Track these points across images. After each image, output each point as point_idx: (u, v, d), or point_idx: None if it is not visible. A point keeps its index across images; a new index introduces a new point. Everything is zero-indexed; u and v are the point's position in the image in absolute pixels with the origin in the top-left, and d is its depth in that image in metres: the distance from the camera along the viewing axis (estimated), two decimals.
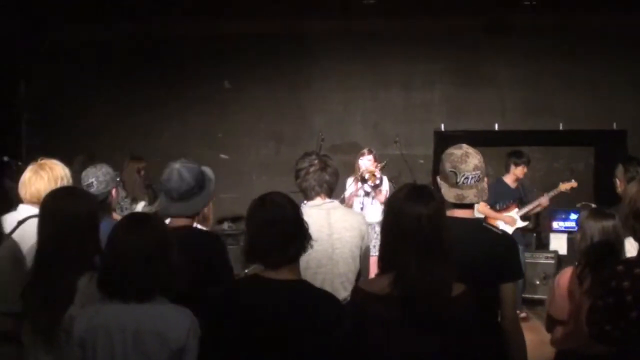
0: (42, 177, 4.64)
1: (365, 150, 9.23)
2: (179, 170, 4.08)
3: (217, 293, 3.39)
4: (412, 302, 3.08)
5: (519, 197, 9.23)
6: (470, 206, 3.92)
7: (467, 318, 3.12)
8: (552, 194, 9.19)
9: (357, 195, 8.86)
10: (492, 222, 8.84)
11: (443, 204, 3.24)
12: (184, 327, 3.19)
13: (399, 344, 3.10)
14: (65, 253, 3.55)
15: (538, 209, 9.30)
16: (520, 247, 8.82)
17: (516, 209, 9.21)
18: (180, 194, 4.07)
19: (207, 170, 4.27)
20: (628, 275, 3.41)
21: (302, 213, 3.28)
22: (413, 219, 3.15)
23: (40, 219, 3.73)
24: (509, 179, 9.32)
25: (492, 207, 9.23)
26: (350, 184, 8.96)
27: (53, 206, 3.69)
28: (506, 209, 9.26)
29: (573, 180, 9.27)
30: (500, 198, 9.30)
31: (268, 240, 3.14)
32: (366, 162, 9.00)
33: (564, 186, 9.15)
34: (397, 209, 3.25)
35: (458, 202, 3.87)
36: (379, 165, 8.98)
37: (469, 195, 3.87)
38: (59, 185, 4.57)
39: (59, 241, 3.58)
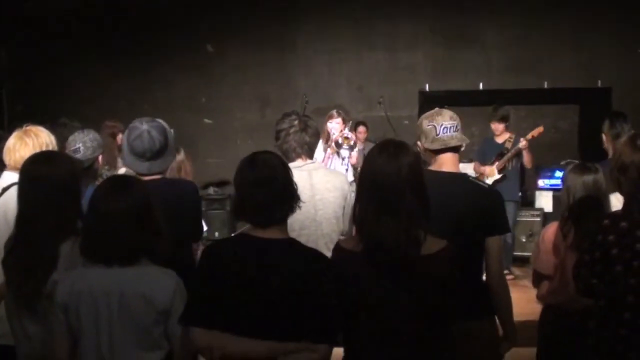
0: (27, 144, 4.58)
1: (334, 112, 9.03)
2: (148, 131, 4.10)
3: (203, 250, 3.38)
4: (372, 256, 3.07)
5: (500, 152, 9.24)
6: (456, 150, 3.95)
7: (445, 275, 3.09)
8: (523, 141, 9.15)
9: (329, 158, 8.77)
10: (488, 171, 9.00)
11: (416, 159, 3.20)
12: (169, 289, 3.19)
13: (373, 298, 3.09)
14: (46, 219, 3.50)
15: (511, 156, 9.28)
16: (513, 204, 8.99)
17: (497, 163, 9.25)
18: (152, 153, 4.10)
19: (164, 123, 4.27)
20: (614, 229, 3.42)
21: (292, 174, 3.26)
22: (370, 173, 3.15)
23: (20, 184, 3.69)
24: (494, 135, 9.39)
25: (481, 164, 9.38)
26: (320, 147, 8.85)
27: (32, 171, 3.64)
28: (491, 163, 9.31)
29: (540, 127, 9.27)
30: (485, 154, 9.42)
31: (256, 200, 3.12)
32: (334, 125, 8.87)
33: (533, 132, 9.15)
34: (363, 163, 3.29)
35: (443, 147, 3.90)
36: (348, 126, 8.89)
37: (452, 142, 3.91)
38: None
39: (40, 207, 3.53)
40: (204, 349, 3.12)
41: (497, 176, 9.20)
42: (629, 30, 11.54)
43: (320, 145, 8.62)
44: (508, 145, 9.24)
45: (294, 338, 3.04)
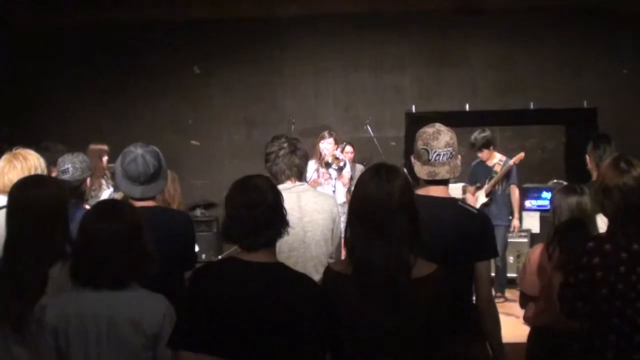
0: (16, 167, 4.58)
1: (326, 133, 9.20)
2: (142, 155, 4.12)
3: (192, 274, 3.40)
4: (362, 279, 3.08)
5: (490, 176, 9.30)
6: (444, 183, 3.91)
7: (434, 299, 3.10)
8: (504, 169, 9.25)
9: (321, 182, 8.84)
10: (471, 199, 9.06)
11: (407, 183, 3.21)
12: (158, 313, 3.19)
13: (362, 321, 3.10)
14: (34, 243, 3.50)
15: (499, 179, 9.36)
16: (503, 227, 9.10)
17: (486, 186, 9.33)
18: (146, 177, 4.12)
19: (156, 149, 4.29)
20: (598, 252, 3.44)
21: (282, 198, 3.28)
22: (362, 197, 3.16)
23: (8, 209, 3.68)
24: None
25: (472, 185, 9.53)
26: (312, 168, 8.94)
27: (20, 196, 3.64)
28: (480, 187, 9.40)
29: (522, 153, 9.35)
30: (477, 176, 9.53)
31: (245, 223, 3.14)
32: (327, 146, 8.97)
33: (515, 159, 9.23)
34: (355, 187, 3.29)
35: (430, 178, 3.86)
36: (340, 147, 8.96)
37: (441, 171, 3.85)
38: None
39: (28, 231, 3.53)
40: None
41: (485, 199, 9.26)
42: (615, 51, 11.61)
43: (312, 165, 8.72)
44: (497, 168, 9.31)
45: None
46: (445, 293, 3.15)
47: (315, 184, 8.76)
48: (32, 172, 4.52)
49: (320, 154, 8.93)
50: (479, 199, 9.31)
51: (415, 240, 3.11)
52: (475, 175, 9.57)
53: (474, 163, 9.65)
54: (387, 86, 12.21)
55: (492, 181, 9.23)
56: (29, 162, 4.62)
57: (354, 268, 3.11)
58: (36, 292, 3.41)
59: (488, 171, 9.39)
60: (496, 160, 9.39)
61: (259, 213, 3.13)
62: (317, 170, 8.89)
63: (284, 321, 3.05)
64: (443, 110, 10.98)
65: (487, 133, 9.39)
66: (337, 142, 9.07)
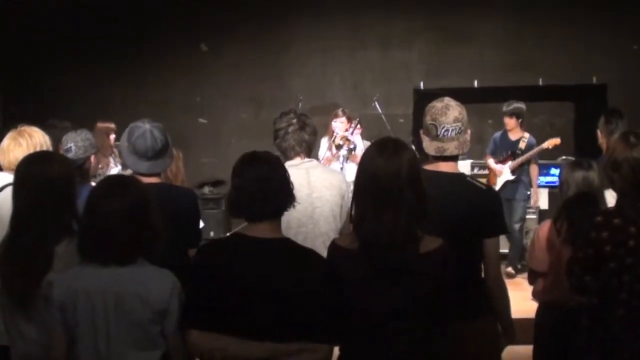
0: (21, 145, 4.59)
1: (339, 111, 9.24)
2: (150, 130, 4.12)
3: (197, 251, 3.42)
4: (369, 254, 3.07)
5: (513, 152, 9.30)
6: (453, 159, 3.87)
7: (440, 274, 3.10)
8: (536, 150, 9.23)
9: (336, 161, 8.88)
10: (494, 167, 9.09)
11: (415, 157, 3.19)
12: (166, 288, 3.19)
13: (368, 297, 3.10)
14: (41, 219, 3.50)
15: (526, 159, 9.35)
16: (523, 203, 9.25)
17: (510, 162, 9.32)
18: (154, 152, 4.12)
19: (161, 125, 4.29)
20: (607, 226, 3.43)
21: (289, 175, 3.29)
22: (370, 171, 3.13)
23: (15, 185, 3.68)
24: (507, 131, 9.50)
25: (492, 155, 9.54)
26: (324, 145, 8.99)
27: (27, 172, 3.63)
28: (503, 160, 9.39)
29: (557, 139, 9.33)
30: (498, 148, 9.54)
31: (252, 193, 3.15)
32: (339, 125, 8.99)
33: (549, 143, 9.19)
34: (359, 163, 3.27)
35: (438, 154, 3.82)
36: (352, 124, 8.97)
37: (450, 147, 3.81)
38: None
39: (34, 207, 3.52)
40: (205, 352, 3.13)
41: (511, 177, 9.26)
42: (624, 26, 11.56)
43: (325, 142, 8.77)
44: (522, 145, 9.30)
45: (292, 338, 3.06)
46: (452, 267, 3.14)
47: (329, 162, 8.82)
48: (38, 149, 4.52)
49: (333, 132, 8.97)
50: (505, 174, 9.30)
51: (422, 215, 3.10)
52: (497, 146, 9.55)
53: (497, 133, 9.68)
54: (395, 63, 12.18)
55: (520, 159, 9.22)
56: (34, 140, 4.62)
57: (361, 243, 3.11)
58: (42, 268, 3.41)
59: (510, 146, 9.39)
60: (520, 135, 9.37)
61: (266, 184, 3.16)
62: (330, 148, 8.93)
63: (294, 297, 3.06)
64: (451, 86, 10.94)
65: (522, 106, 9.40)
66: (349, 120, 9.10)
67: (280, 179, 3.22)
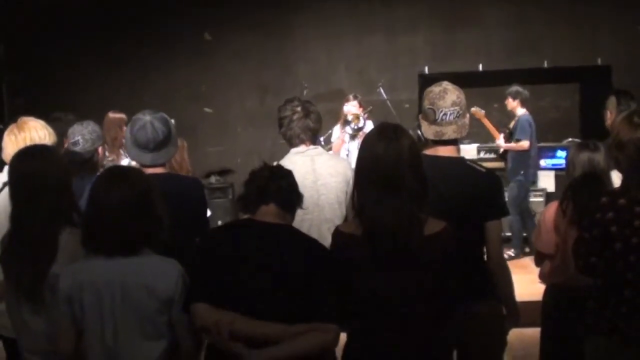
0: (12, 140, 4.58)
1: (351, 96, 9.38)
2: (151, 122, 4.12)
3: (203, 235, 3.46)
4: (374, 239, 3.08)
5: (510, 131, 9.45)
6: (452, 143, 3.86)
7: (445, 256, 3.10)
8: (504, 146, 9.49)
9: (343, 141, 8.92)
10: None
11: (414, 142, 3.19)
12: (172, 278, 3.19)
13: (374, 282, 3.10)
14: (39, 213, 3.50)
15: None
16: (516, 184, 9.31)
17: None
18: (156, 144, 4.11)
19: (165, 115, 4.29)
20: (612, 207, 3.43)
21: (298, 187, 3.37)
22: (370, 158, 3.14)
23: (9, 182, 3.70)
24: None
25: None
26: (337, 132, 9.04)
27: (19, 168, 3.63)
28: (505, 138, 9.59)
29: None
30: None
31: (267, 187, 3.25)
32: (351, 108, 9.08)
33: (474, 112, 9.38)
34: (361, 148, 3.27)
35: (437, 139, 3.82)
36: (365, 109, 9.04)
37: (448, 131, 3.80)
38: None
39: (31, 202, 3.51)
40: (211, 325, 3.07)
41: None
42: (629, 7, 11.49)
43: (337, 129, 8.82)
44: (512, 124, 9.47)
45: (299, 320, 3.06)
46: (454, 250, 3.15)
47: (341, 145, 8.93)
48: (28, 144, 4.45)
49: (345, 116, 9.06)
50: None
51: (424, 198, 3.11)
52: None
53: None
54: (399, 48, 12.14)
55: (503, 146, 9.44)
56: (32, 133, 4.59)
57: (364, 228, 3.11)
58: (47, 258, 3.43)
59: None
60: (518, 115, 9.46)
61: (284, 180, 3.28)
62: (342, 132, 9.02)
63: (299, 279, 3.08)
64: (456, 71, 10.92)
65: (523, 90, 9.49)
66: (361, 105, 9.21)
67: (294, 180, 3.37)
